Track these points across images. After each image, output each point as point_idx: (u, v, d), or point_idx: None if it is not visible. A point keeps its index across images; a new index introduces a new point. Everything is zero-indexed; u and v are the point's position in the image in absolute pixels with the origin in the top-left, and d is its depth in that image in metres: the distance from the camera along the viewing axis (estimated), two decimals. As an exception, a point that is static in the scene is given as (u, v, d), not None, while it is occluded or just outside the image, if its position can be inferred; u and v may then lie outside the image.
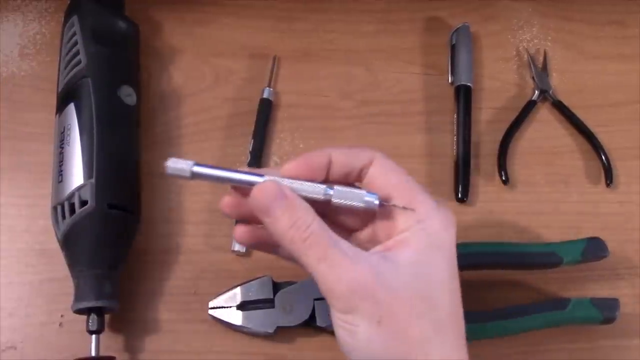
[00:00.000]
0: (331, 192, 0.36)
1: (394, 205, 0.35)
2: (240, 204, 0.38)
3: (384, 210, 0.36)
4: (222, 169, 0.37)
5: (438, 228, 0.35)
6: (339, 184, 0.36)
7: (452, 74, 0.58)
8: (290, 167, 0.36)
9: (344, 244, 0.34)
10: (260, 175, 0.36)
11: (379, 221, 0.37)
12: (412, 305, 0.33)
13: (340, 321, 0.34)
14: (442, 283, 0.34)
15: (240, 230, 0.39)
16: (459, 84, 0.57)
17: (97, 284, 0.44)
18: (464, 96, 0.57)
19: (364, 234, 0.39)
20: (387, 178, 0.36)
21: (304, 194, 0.35)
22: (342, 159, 0.37)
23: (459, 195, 0.54)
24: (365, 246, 0.36)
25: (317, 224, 0.34)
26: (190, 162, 0.36)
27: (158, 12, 0.58)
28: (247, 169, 0.38)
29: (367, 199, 0.35)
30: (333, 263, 0.33)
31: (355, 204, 0.35)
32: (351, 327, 0.33)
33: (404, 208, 0.35)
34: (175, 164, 0.36)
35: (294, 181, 0.36)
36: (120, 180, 0.47)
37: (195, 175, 0.36)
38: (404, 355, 0.32)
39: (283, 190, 0.35)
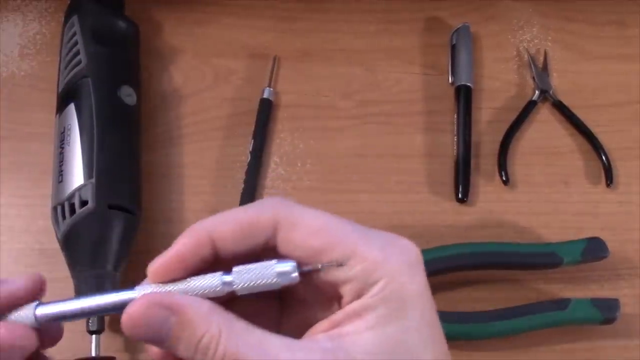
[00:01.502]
0: (230, 277, 0.26)
1: (324, 266, 0.26)
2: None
3: (318, 274, 0.26)
4: (79, 297, 0.28)
5: (397, 283, 0.25)
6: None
7: (453, 74, 0.58)
8: (156, 269, 0.27)
9: (274, 346, 0.25)
10: (131, 289, 0.27)
11: (321, 285, 0.27)
12: None
13: None
14: (418, 357, 0.25)
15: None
16: (459, 84, 0.57)
17: (98, 284, 0.44)
18: (464, 96, 0.57)
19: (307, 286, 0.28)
20: (307, 236, 0.26)
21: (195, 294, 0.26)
22: (230, 240, 0.27)
23: (459, 196, 0.54)
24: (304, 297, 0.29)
25: (227, 336, 0.25)
26: (32, 305, 0.28)
27: (158, 12, 0.58)
28: (111, 291, 0.28)
29: (279, 269, 0.26)
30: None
31: (266, 282, 0.26)
32: None
33: (339, 265, 0.26)
34: (17, 315, 0.28)
35: (177, 283, 0.27)
36: (120, 180, 0.47)
37: (41, 319, 0.28)
38: None
39: (163, 302, 0.25)
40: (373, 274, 0.25)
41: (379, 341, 0.24)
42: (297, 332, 0.27)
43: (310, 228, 0.26)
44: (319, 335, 0.26)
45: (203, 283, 0.26)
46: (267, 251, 0.27)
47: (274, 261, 0.26)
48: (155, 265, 0.27)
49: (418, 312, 0.25)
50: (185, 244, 0.27)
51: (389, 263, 0.25)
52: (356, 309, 0.25)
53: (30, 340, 0.27)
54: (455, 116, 0.57)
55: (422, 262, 0.26)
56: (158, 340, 0.25)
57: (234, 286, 0.26)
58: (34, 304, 0.28)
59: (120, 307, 0.26)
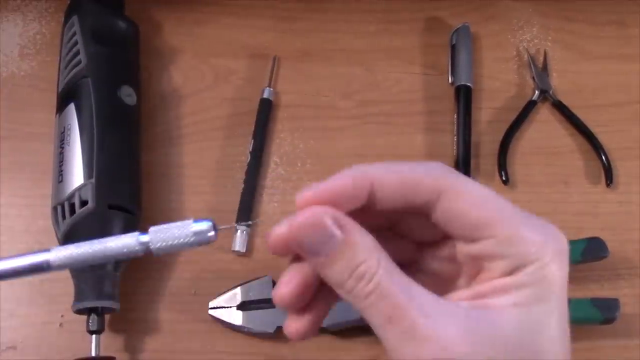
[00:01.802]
0: (146, 237, 0.27)
1: (238, 226, 0.26)
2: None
3: (476, 242, 0.26)
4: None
5: (549, 269, 0.25)
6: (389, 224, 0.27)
7: (452, 74, 0.58)
8: (307, 199, 0.26)
9: (421, 295, 0.25)
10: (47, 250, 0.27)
11: (462, 256, 0.27)
12: None
13: None
14: (552, 343, 0.25)
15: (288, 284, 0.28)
16: (459, 84, 0.57)
17: (97, 284, 0.44)
18: (464, 96, 0.57)
19: (443, 250, 0.29)
20: (470, 208, 0.26)
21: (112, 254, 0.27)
22: (390, 192, 0.26)
23: (459, 195, 0.54)
24: (439, 263, 0.29)
25: (384, 272, 0.24)
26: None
27: (158, 12, 0.58)
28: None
29: (196, 228, 0.27)
30: (407, 328, 0.24)
31: (183, 241, 0.27)
32: None
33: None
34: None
35: (93, 242, 0.27)
36: (120, 180, 0.47)
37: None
38: None
39: (337, 217, 0.25)
40: (530, 255, 0.25)
41: (524, 319, 0.25)
42: None
43: (475, 200, 0.26)
44: (463, 302, 0.26)
45: (119, 242, 0.26)
46: (417, 216, 0.27)
47: (190, 220, 0.27)
48: (306, 194, 0.26)
49: (561, 300, 0.26)
50: (343, 182, 0.26)
51: (546, 247, 0.26)
52: (506, 285, 0.25)
53: None
54: (455, 116, 0.57)
55: (568, 253, 0.27)
56: (315, 252, 0.25)
57: (151, 245, 0.26)
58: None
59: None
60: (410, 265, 0.30)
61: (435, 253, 0.29)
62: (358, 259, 0.25)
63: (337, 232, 0.25)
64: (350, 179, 0.26)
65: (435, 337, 0.24)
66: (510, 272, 0.25)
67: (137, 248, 0.27)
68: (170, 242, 0.26)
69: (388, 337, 0.25)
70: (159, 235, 0.27)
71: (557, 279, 0.26)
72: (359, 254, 0.25)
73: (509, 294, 0.25)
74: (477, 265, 0.27)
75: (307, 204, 0.26)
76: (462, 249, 0.27)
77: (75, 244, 0.27)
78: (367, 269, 0.25)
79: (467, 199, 0.26)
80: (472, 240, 0.26)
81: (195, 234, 0.27)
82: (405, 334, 0.24)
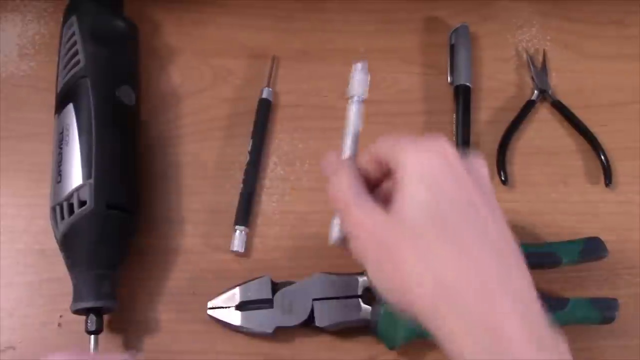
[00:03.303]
0: None
1: None
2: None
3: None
4: None
5: (416, 161, 0.35)
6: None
7: (451, 74, 0.58)
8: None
9: (366, 202, 0.37)
10: None
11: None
12: (414, 245, 0.34)
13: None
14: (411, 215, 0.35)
15: None
16: (458, 83, 0.57)
17: (96, 284, 0.45)
18: (463, 96, 0.57)
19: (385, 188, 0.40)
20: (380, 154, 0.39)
21: None
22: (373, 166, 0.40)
23: (458, 195, 0.54)
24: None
25: (351, 190, 0.37)
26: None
27: (157, 12, 0.58)
28: None
29: None
30: (349, 211, 0.37)
31: None
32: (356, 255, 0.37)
33: None
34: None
35: None
36: (119, 180, 0.47)
37: None
38: (400, 294, 0.35)
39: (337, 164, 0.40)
40: (405, 165, 0.35)
41: (407, 199, 0.35)
42: None
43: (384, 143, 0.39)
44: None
45: None
46: None
47: None
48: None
49: (436, 178, 0.36)
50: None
51: (414, 154, 0.36)
52: (397, 187, 0.36)
53: None
54: (454, 116, 0.57)
55: (442, 143, 0.36)
56: (325, 173, 0.41)
57: None
58: None
59: None
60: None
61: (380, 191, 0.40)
62: (340, 182, 0.38)
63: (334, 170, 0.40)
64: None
65: (357, 215, 0.36)
66: (399, 178, 0.36)
67: None
68: None
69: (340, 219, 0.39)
70: None
71: (427, 166, 0.35)
72: (342, 180, 0.38)
73: (400, 188, 0.35)
74: None
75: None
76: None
77: None
78: (340, 186, 0.38)
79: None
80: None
81: None
82: (347, 215, 0.37)
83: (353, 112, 0.44)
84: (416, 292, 0.34)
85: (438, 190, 0.34)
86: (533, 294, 0.34)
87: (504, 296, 0.33)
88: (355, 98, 0.43)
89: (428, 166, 0.35)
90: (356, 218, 0.36)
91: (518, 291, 0.33)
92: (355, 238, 0.37)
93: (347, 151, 0.42)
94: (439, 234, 0.34)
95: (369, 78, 0.43)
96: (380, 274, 0.36)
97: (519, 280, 0.34)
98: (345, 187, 0.38)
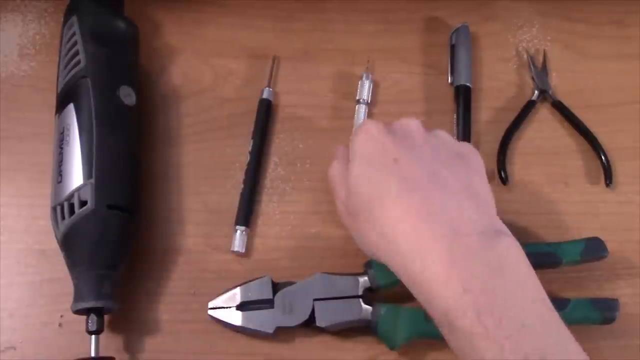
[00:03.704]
0: None
1: None
2: None
3: None
4: None
5: (353, 144, 0.43)
6: None
7: (452, 74, 0.58)
8: None
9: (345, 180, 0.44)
10: None
11: None
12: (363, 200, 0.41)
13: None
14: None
15: None
16: (458, 84, 0.57)
17: (97, 284, 0.44)
18: (464, 96, 0.57)
19: None
20: None
21: None
22: None
23: (459, 196, 0.54)
24: None
25: (338, 169, 0.46)
26: None
27: (157, 12, 0.58)
28: None
29: None
30: (335, 189, 0.46)
31: None
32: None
33: None
34: None
35: None
36: (119, 180, 0.47)
37: None
38: (370, 252, 0.42)
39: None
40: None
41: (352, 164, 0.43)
42: None
43: None
44: None
45: None
46: None
47: None
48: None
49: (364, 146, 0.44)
50: None
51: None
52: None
53: None
54: (455, 116, 0.57)
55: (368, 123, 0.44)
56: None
57: None
58: None
59: None
60: None
61: None
62: (334, 167, 0.46)
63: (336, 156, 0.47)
64: None
65: (339, 198, 0.45)
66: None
67: None
68: None
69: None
70: None
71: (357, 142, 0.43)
72: (336, 165, 0.46)
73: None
74: None
75: None
76: None
77: None
78: (334, 170, 0.47)
79: None
80: None
81: None
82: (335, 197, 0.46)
83: (362, 113, 0.55)
84: (375, 250, 0.41)
85: (366, 161, 0.42)
86: (476, 224, 0.38)
87: (431, 239, 0.37)
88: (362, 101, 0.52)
89: (358, 144, 0.43)
90: (337, 194, 0.45)
91: (451, 222, 0.37)
92: (339, 212, 0.46)
93: None
94: (373, 196, 0.40)
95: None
96: (355, 236, 0.44)
97: (455, 210, 0.38)
98: (337, 171, 0.45)
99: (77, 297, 0.45)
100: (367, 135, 0.42)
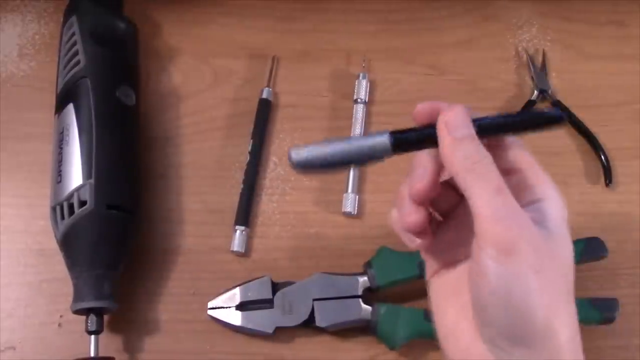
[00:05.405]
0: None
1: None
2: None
3: (521, 173, 0.37)
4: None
5: (562, 209, 0.36)
6: None
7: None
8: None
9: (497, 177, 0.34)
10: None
11: (514, 179, 0.37)
12: (559, 265, 0.33)
13: (491, 260, 0.32)
14: (569, 259, 0.34)
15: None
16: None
17: (96, 284, 0.44)
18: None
19: None
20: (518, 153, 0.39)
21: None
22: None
23: (459, 196, 0.54)
24: None
25: (483, 160, 0.35)
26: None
27: (157, 12, 0.58)
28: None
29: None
30: (507, 200, 0.33)
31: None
32: (505, 269, 0.32)
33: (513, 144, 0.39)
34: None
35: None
36: (119, 180, 0.47)
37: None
38: (548, 309, 0.32)
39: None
40: (552, 198, 0.37)
41: (556, 229, 0.35)
42: None
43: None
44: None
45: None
46: None
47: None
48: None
49: (568, 236, 0.35)
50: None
51: (561, 200, 0.37)
52: (542, 207, 0.36)
53: None
54: (455, 116, 0.57)
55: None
56: (454, 128, 0.35)
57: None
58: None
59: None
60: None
61: None
62: (476, 147, 0.34)
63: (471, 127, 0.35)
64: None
65: (520, 212, 0.33)
66: (544, 199, 0.37)
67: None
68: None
69: (491, 204, 0.32)
70: None
71: (565, 221, 0.35)
72: (477, 145, 0.34)
73: (547, 210, 0.36)
74: None
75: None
76: None
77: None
78: (478, 151, 0.34)
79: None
80: None
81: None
82: (504, 204, 0.33)
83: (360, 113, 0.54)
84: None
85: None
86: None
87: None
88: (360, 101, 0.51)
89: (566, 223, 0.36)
90: (517, 210, 0.34)
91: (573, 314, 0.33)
92: (503, 233, 0.34)
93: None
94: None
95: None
96: (534, 284, 0.33)
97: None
98: (490, 162, 0.36)
99: (77, 297, 0.45)
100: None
